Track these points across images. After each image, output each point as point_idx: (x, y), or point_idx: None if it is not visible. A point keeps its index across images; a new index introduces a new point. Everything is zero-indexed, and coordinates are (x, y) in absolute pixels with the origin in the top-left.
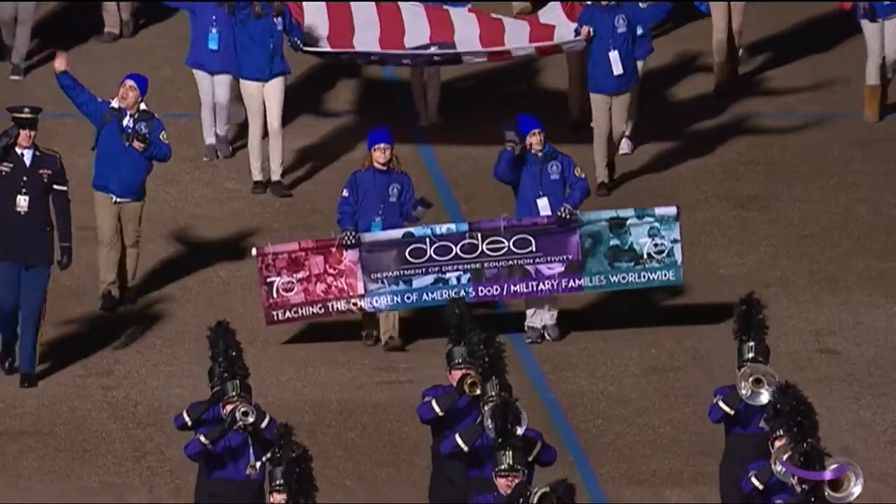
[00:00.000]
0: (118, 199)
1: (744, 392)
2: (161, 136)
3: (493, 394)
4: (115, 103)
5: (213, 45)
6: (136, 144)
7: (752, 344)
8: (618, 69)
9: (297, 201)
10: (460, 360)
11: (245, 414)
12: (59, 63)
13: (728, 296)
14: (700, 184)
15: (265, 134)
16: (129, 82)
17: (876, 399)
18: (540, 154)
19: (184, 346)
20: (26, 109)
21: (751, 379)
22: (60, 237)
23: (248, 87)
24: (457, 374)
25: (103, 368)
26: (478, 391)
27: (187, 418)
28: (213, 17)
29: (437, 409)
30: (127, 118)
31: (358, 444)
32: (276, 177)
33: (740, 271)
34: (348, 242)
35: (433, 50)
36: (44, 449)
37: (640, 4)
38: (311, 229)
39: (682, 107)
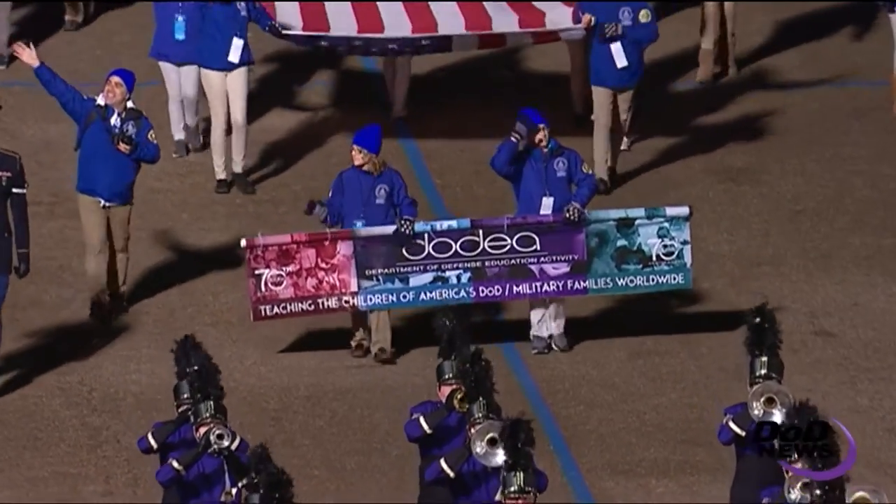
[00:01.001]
0: (106, 203)
1: (755, 412)
2: (149, 136)
3: (480, 415)
4: (100, 100)
5: (179, 35)
6: (122, 147)
7: (764, 359)
8: (621, 61)
9: (262, 175)
10: (450, 375)
11: (220, 437)
12: (29, 57)
13: (718, 275)
14: (688, 157)
15: (229, 129)
16: (116, 79)
17: (874, 384)
18: (545, 150)
19: (142, 328)
20: None
21: (763, 398)
22: (18, 243)
23: (211, 78)
24: (446, 389)
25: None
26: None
27: (153, 441)
28: (179, 5)
29: (424, 426)
30: (114, 117)
31: (326, 431)
32: (237, 168)
33: (731, 249)
34: (322, 218)
35: (421, 35)
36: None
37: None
38: (277, 204)
39: (670, 81)
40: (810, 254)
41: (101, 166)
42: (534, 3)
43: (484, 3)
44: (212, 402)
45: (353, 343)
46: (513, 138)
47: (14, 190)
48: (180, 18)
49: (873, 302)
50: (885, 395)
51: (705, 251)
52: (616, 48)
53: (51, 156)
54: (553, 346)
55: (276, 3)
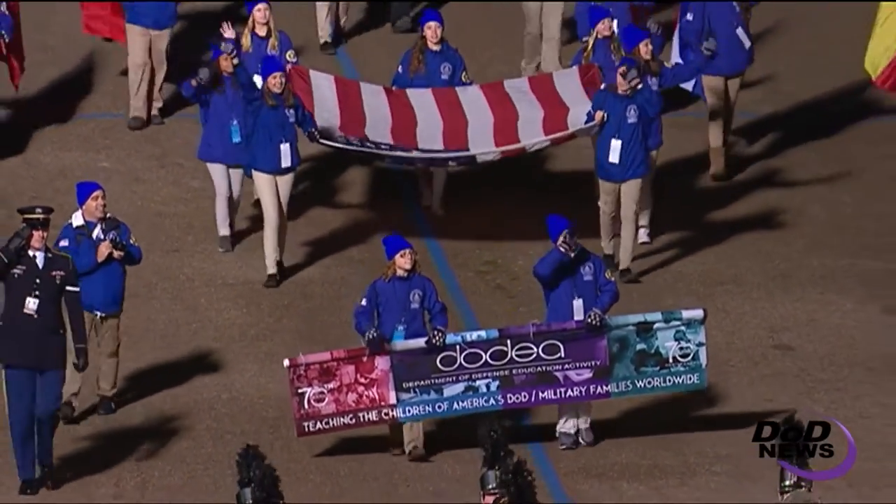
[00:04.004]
0: (101, 315)
1: None
2: (132, 241)
3: None
4: (77, 221)
5: (236, 139)
6: (116, 253)
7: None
8: (614, 157)
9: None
10: (494, 486)
11: None
12: (110, 250)
13: (685, 293)
14: (659, 182)
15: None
16: (100, 192)
17: (829, 394)
18: (572, 255)
19: (148, 342)
20: (38, 210)
21: None
22: (76, 339)
23: (261, 179)
24: (490, 499)
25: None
26: None
27: None
28: (232, 110)
29: None
30: (97, 230)
31: (322, 438)
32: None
33: (696, 269)
34: (373, 337)
35: (448, 154)
36: (5, 444)
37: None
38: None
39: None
40: (770, 273)
41: (94, 281)
42: (555, 84)
43: (508, 92)
44: None
45: (391, 449)
46: (567, 254)
47: (68, 288)
48: (235, 122)
49: (828, 318)
50: (840, 405)
51: (674, 271)
52: (615, 144)
53: (66, 182)
54: (581, 440)
55: (312, 73)
